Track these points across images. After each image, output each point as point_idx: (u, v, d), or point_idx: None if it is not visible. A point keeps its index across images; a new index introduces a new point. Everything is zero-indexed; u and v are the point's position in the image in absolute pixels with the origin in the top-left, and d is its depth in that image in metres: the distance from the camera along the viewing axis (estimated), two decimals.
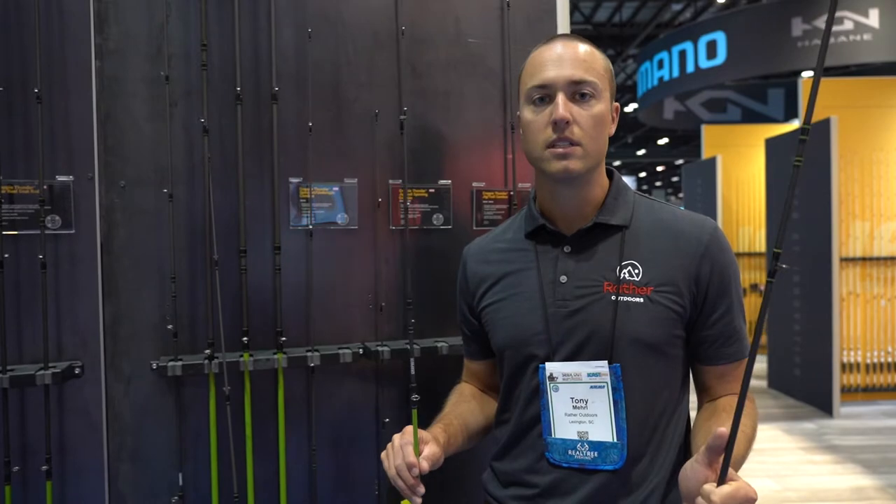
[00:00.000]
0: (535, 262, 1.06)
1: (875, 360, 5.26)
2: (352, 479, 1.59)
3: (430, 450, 1.01)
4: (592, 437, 0.99)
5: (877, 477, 3.71)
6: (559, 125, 0.97)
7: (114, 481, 1.44)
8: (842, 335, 5.11)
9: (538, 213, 1.07)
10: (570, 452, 1.00)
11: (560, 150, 0.97)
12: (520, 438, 1.07)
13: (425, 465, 0.98)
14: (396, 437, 1.02)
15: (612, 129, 1.05)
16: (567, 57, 0.99)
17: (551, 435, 1.02)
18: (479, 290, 1.13)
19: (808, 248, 5.04)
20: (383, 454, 1.03)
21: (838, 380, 4.88)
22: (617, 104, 1.06)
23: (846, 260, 5.20)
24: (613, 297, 0.99)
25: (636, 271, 1.00)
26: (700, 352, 1.04)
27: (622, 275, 1.00)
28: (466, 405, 1.19)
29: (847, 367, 5.23)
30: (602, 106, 1.00)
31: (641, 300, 0.98)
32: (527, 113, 1.03)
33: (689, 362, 1.07)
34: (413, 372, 1.08)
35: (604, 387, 0.98)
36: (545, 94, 1.00)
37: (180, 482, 1.46)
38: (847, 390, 5.18)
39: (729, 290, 1.02)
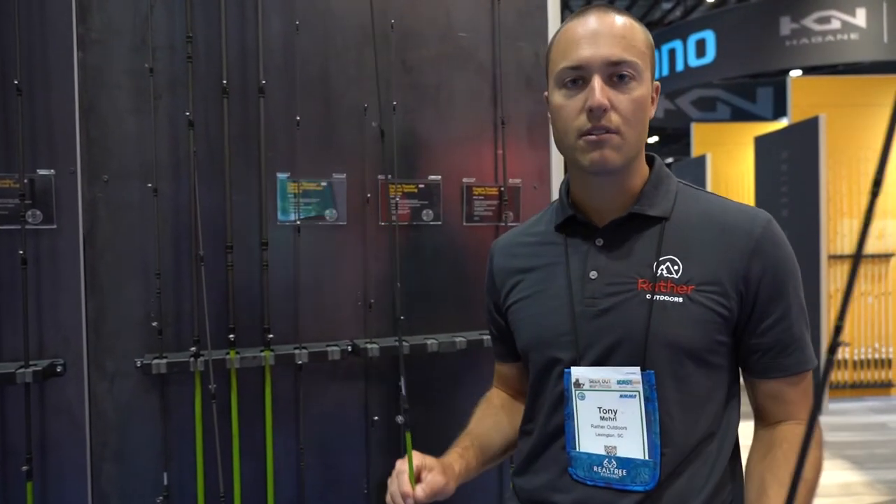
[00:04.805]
0: (564, 257, 0.96)
1: (863, 357, 5.30)
2: (340, 478, 1.57)
3: (432, 478, 0.92)
4: (621, 453, 0.89)
5: (864, 473, 3.74)
6: (595, 113, 0.85)
7: (97, 481, 1.41)
8: (829, 332, 5.14)
9: (569, 204, 0.97)
10: (595, 469, 0.90)
11: (595, 137, 0.86)
12: (542, 451, 0.98)
13: (420, 494, 0.89)
14: (398, 462, 0.94)
15: (653, 112, 0.94)
16: (604, 33, 0.87)
17: (575, 448, 0.92)
18: (506, 286, 1.03)
19: (796, 245, 5.07)
20: (389, 479, 0.95)
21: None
22: (658, 83, 0.95)
23: (834, 257, 5.23)
24: (648, 296, 0.88)
25: (675, 267, 0.89)
26: (751, 363, 0.91)
27: (659, 271, 0.89)
28: (493, 419, 1.10)
29: (835, 364, 5.27)
30: (643, 89, 0.88)
31: (680, 300, 0.87)
32: (557, 97, 0.90)
33: (737, 374, 0.94)
34: (404, 392, 0.95)
35: (635, 396, 0.88)
36: (579, 76, 0.88)
37: (165, 482, 1.44)
38: (835, 387, 5.22)
39: (785, 292, 0.89)
